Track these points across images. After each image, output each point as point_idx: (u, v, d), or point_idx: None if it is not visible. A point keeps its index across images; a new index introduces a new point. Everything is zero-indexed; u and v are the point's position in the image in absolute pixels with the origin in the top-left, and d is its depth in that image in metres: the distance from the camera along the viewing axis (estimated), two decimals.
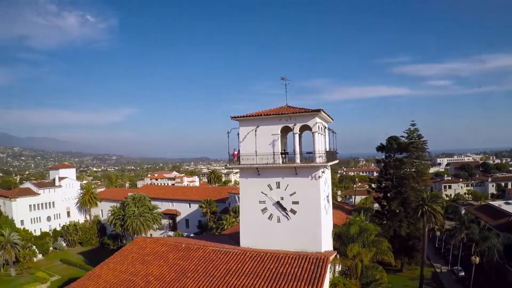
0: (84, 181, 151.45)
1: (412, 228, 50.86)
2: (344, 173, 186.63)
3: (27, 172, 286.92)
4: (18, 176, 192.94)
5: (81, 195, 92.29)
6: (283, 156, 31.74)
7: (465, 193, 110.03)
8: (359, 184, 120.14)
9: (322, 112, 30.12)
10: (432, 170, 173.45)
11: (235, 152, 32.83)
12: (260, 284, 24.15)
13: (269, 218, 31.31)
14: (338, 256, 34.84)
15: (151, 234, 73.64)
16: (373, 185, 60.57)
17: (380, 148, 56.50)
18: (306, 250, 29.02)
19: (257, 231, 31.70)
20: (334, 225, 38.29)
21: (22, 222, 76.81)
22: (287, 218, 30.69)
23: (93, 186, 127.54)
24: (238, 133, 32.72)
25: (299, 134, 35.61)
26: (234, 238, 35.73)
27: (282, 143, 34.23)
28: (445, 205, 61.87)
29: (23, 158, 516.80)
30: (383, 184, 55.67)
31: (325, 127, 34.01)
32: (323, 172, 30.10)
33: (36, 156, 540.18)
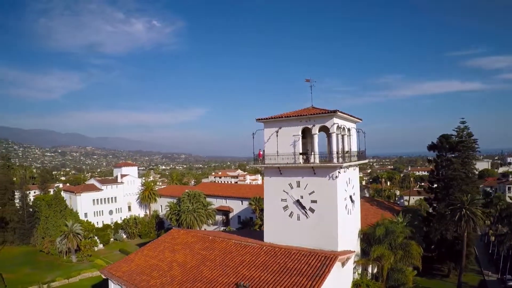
0: (151, 178, 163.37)
1: (461, 232, 49.64)
2: (410, 172, 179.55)
3: (98, 170, 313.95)
4: (90, 173, 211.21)
5: (141, 191, 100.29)
6: (304, 156, 33.71)
7: None
8: (422, 184, 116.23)
9: (339, 113, 31.58)
10: (501, 169, 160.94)
11: (260, 152, 35.52)
12: (266, 276, 26.74)
13: (289, 215, 33.65)
14: (361, 257, 36.19)
15: (205, 229, 78.35)
16: (424, 186, 59.58)
17: (432, 147, 55.49)
18: (323, 248, 30.79)
19: (279, 227, 34.28)
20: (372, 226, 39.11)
21: (86, 214, 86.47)
22: (306, 216, 32.74)
23: (159, 183, 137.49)
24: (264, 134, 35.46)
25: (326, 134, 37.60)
26: None
27: (309, 144, 36.22)
28: (500, 208, 58.83)
29: (95, 156, 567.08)
30: (435, 185, 54.79)
31: (347, 128, 35.38)
32: (339, 172, 31.52)
33: (107, 155, 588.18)
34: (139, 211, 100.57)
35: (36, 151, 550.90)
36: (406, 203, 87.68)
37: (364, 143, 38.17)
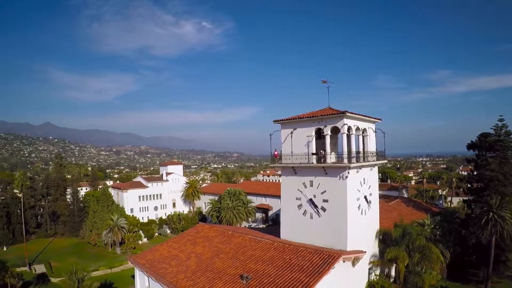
0: (200, 176, 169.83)
1: (497, 236, 48.31)
2: (453, 172, 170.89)
3: (151, 168, 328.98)
4: (142, 171, 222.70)
5: (185, 188, 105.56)
6: (317, 156, 35.18)
7: None
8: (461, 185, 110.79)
9: (348, 114, 32.76)
10: None
11: (276, 153, 37.55)
12: (269, 270, 28.89)
13: (303, 214, 35.42)
14: (379, 258, 36.89)
15: (244, 226, 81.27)
16: (463, 187, 58.27)
17: (471, 146, 54.31)
18: (333, 247, 32.16)
19: (294, 225, 36.21)
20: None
21: (131, 210, 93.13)
22: (318, 215, 34.31)
23: (207, 181, 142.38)
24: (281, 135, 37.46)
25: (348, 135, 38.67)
26: None
27: (332, 144, 37.47)
28: None
29: (149, 155, 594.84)
30: (474, 186, 53.59)
31: (363, 128, 36.33)
32: (348, 172, 32.64)
33: (161, 153, 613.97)
34: (183, 208, 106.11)
35: (92, 150, 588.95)
36: (447, 204, 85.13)
37: (384, 143, 38.94)
